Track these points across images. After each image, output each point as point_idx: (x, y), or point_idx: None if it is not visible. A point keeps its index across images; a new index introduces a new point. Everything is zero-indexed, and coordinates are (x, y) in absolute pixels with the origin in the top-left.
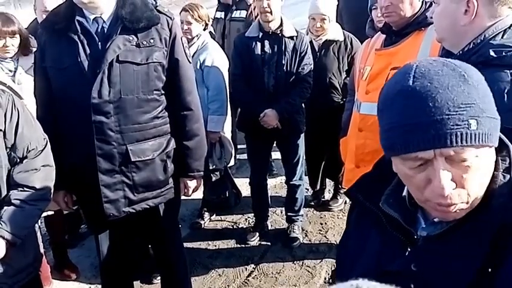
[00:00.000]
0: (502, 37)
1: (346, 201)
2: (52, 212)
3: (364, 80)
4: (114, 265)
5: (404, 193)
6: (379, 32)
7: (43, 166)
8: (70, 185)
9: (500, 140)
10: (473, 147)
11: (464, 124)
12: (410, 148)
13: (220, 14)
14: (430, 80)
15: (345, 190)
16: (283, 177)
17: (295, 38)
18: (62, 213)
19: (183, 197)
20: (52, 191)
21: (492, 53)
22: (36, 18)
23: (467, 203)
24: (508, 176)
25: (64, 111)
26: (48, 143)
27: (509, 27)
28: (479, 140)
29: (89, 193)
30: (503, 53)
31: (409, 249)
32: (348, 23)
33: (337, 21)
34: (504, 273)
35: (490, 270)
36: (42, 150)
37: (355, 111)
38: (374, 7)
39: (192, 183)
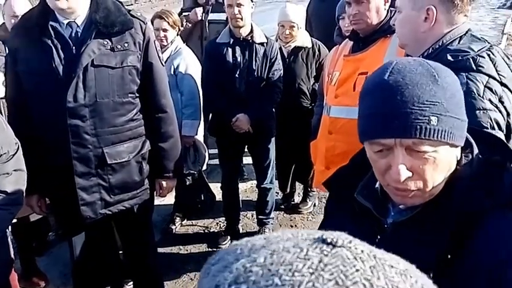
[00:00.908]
0: (458, 43)
1: (315, 203)
2: (15, 220)
3: (333, 84)
4: (89, 268)
5: (377, 185)
6: (347, 39)
7: (14, 170)
8: (44, 189)
9: (466, 139)
10: (431, 141)
11: (425, 119)
12: (376, 134)
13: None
14: (403, 76)
15: (314, 193)
16: (254, 182)
17: (265, 44)
18: (29, 220)
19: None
20: (24, 195)
21: (449, 58)
22: (4, 23)
23: (424, 191)
24: (468, 170)
25: (38, 116)
26: (20, 148)
27: (465, 34)
28: (437, 136)
29: (64, 196)
30: (460, 57)
31: (378, 237)
32: (316, 31)
33: (306, 29)
34: (464, 260)
35: (449, 256)
36: (13, 155)
37: (324, 115)
38: (341, 17)
39: (167, 184)
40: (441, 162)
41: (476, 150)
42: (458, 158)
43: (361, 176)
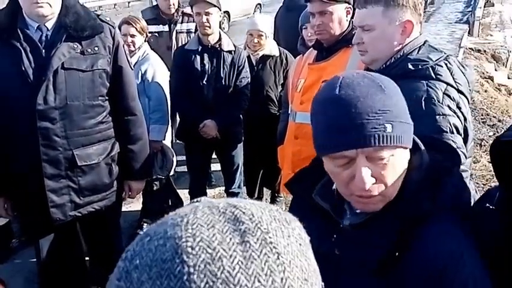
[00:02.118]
0: (417, 53)
1: (282, 209)
2: None
3: (299, 91)
4: (55, 271)
5: (335, 186)
6: (312, 48)
7: None
8: (10, 191)
9: (415, 143)
10: (389, 147)
11: (381, 127)
12: (337, 148)
13: (157, 28)
14: (353, 90)
15: (281, 198)
16: (222, 188)
17: (233, 52)
18: None
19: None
20: None
21: (410, 67)
22: None
23: (385, 195)
24: (417, 175)
25: (7, 118)
26: None
27: (423, 44)
28: (393, 141)
29: (33, 198)
30: (419, 67)
31: (335, 236)
32: (283, 40)
33: (274, 39)
34: (406, 261)
35: (396, 255)
36: None
37: (291, 121)
38: (304, 27)
39: (136, 186)
40: (398, 165)
41: (425, 155)
42: (408, 160)
43: (320, 177)
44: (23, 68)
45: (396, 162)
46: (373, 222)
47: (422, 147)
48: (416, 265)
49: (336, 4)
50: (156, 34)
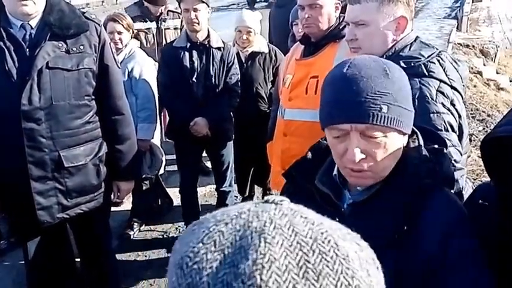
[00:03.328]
0: (409, 49)
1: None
2: None
3: (287, 87)
4: (43, 273)
5: (335, 172)
6: (298, 42)
7: None
8: None
9: (413, 129)
10: (382, 127)
11: (377, 107)
12: (333, 120)
13: (145, 25)
14: (359, 70)
15: (272, 195)
16: (213, 186)
17: (222, 49)
18: None
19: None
20: None
21: (402, 64)
22: None
23: (375, 172)
24: (417, 154)
25: None
26: None
27: (414, 41)
28: (387, 122)
29: (19, 200)
30: (412, 64)
31: (337, 219)
32: (274, 37)
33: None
34: (417, 231)
35: (405, 227)
36: None
37: (279, 118)
38: (295, 23)
39: (125, 186)
40: (390, 147)
41: (421, 139)
42: (405, 145)
43: (319, 165)
44: (7, 68)
45: (389, 144)
46: (377, 199)
47: (418, 132)
48: (426, 234)
49: None
50: (145, 31)
